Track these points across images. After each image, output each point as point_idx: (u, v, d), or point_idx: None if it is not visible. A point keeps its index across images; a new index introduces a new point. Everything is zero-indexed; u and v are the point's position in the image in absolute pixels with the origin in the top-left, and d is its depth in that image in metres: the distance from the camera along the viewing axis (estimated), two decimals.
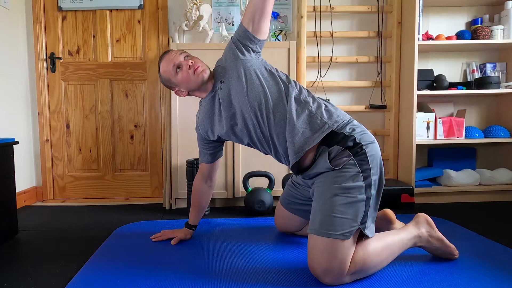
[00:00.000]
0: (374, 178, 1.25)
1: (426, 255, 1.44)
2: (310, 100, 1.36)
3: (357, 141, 1.26)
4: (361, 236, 1.23)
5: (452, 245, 1.39)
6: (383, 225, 1.58)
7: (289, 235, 1.73)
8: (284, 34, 2.61)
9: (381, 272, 1.29)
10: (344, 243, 1.17)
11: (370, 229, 1.24)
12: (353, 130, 1.29)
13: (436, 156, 2.65)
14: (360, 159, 1.24)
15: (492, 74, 2.60)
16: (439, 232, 1.37)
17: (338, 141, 1.27)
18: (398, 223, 1.58)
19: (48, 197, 2.67)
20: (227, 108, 1.40)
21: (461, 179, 2.47)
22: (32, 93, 2.62)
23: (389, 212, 1.57)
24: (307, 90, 1.42)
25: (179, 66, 1.41)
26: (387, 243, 1.25)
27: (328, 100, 2.66)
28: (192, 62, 1.41)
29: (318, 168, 1.30)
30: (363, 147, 1.25)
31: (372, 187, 1.24)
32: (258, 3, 1.33)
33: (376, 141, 1.32)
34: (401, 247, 1.29)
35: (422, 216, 1.38)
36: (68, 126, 2.67)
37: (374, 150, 1.27)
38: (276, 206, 2.23)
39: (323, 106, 1.36)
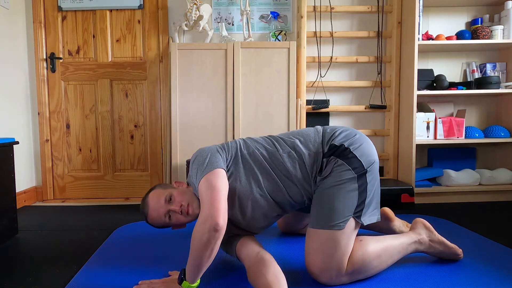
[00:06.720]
0: (367, 167, 1.23)
1: (427, 255, 1.43)
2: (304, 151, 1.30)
3: (345, 146, 1.25)
4: (360, 239, 1.24)
5: (454, 246, 1.37)
6: (382, 223, 1.58)
7: (290, 234, 1.73)
8: (284, 34, 2.61)
9: (381, 272, 1.29)
10: (340, 234, 1.16)
11: (369, 215, 1.22)
12: (343, 143, 1.26)
13: (436, 156, 2.65)
14: (347, 157, 1.23)
15: (492, 74, 2.60)
16: (439, 235, 1.36)
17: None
18: (397, 221, 1.59)
19: (48, 197, 2.67)
20: None
21: (461, 179, 2.46)
22: (32, 93, 2.62)
23: (387, 210, 1.58)
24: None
25: (168, 214, 1.28)
26: (386, 245, 1.25)
27: (328, 100, 2.66)
28: (181, 205, 1.26)
29: None
30: (351, 149, 1.24)
31: (366, 175, 1.22)
32: None
33: (363, 139, 1.29)
34: (401, 250, 1.28)
35: (420, 221, 1.36)
36: (68, 126, 2.67)
37: (362, 150, 1.26)
38: None
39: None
